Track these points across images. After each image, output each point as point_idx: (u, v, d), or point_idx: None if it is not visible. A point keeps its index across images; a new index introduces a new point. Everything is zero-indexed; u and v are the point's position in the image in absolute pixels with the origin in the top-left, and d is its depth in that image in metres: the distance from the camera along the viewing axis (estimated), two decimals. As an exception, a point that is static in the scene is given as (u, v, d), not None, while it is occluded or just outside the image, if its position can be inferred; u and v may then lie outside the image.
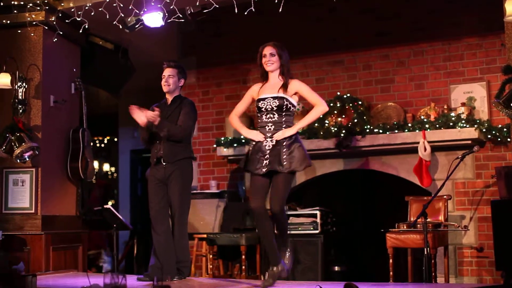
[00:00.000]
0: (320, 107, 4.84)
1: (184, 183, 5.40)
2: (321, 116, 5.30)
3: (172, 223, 5.41)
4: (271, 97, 4.77)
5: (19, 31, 6.20)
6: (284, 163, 4.65)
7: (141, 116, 5.23)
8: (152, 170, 5.46)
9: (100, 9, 5.81)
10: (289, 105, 4.77)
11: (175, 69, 5.49)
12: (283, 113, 4.77)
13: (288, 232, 4.95)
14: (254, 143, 4.83)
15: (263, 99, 4.80)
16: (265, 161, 4.70)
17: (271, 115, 4.78)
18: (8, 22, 6.15)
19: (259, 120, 4.87)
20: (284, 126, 4.76)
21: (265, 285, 4.71)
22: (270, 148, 4.71)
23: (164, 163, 5.36)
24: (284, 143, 4.70)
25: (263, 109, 4.79)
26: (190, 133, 5.54)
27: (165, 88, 5.47)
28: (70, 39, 6.53)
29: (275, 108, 4.75)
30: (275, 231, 4.89)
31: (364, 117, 6.62)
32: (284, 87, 4.79)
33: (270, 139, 4.73)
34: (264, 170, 4.69)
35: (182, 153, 5.41)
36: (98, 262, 8.95)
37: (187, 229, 5.54)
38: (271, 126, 4.77)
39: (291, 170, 4.67)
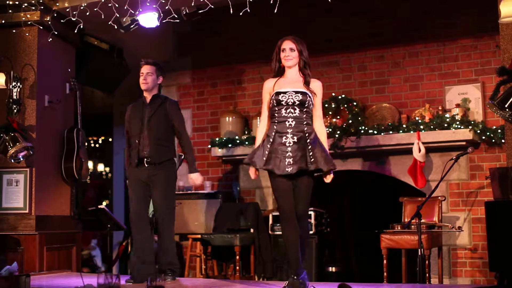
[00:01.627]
0: (323, 127, 4.63)
1: (169, 185, 5.29)
2: None
3: (159, 226, 5.26)
4: (293, 91, 4.48)
5: (14, 31, 6.17)
6: (312, 160, 4.38)
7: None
8: (134, 170, 5.27)
9: (95, 9, 5.79)
10: (310, 103, 4.51)
11: (153, 66, 5.38)
12: (304, 109, 4.49)
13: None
14: (271, 141, 4.46)
15: (284, 92, 4.48)
16: (288, 160, 4.39)
17: (292, 110, 4.47)
18: (3, 22, 6.12)
19: (276, 114, 4.50)
20: (304, 122, 4.47)
21: None
22: (291, 144, 4.42)
23: (147, 165, 5.22)
24: (308, 141, 4.43)
25: (283, 102, 4.47)
26: None
27: (144, 86, 5.36)
28: (65, 39, 6.51)
29: (297, 103, 4.46)
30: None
31: (359, 118, 6.62)
32: (307, 84, 4.53)
33: (291, 135, 4.43)
34: (289, 170, 4.38)
35: (167, 154, 5.30)
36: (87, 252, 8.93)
37: (174, 230, 5.47)
38: (291, 121, 4.45)
39: (317, 168, 4.40)
